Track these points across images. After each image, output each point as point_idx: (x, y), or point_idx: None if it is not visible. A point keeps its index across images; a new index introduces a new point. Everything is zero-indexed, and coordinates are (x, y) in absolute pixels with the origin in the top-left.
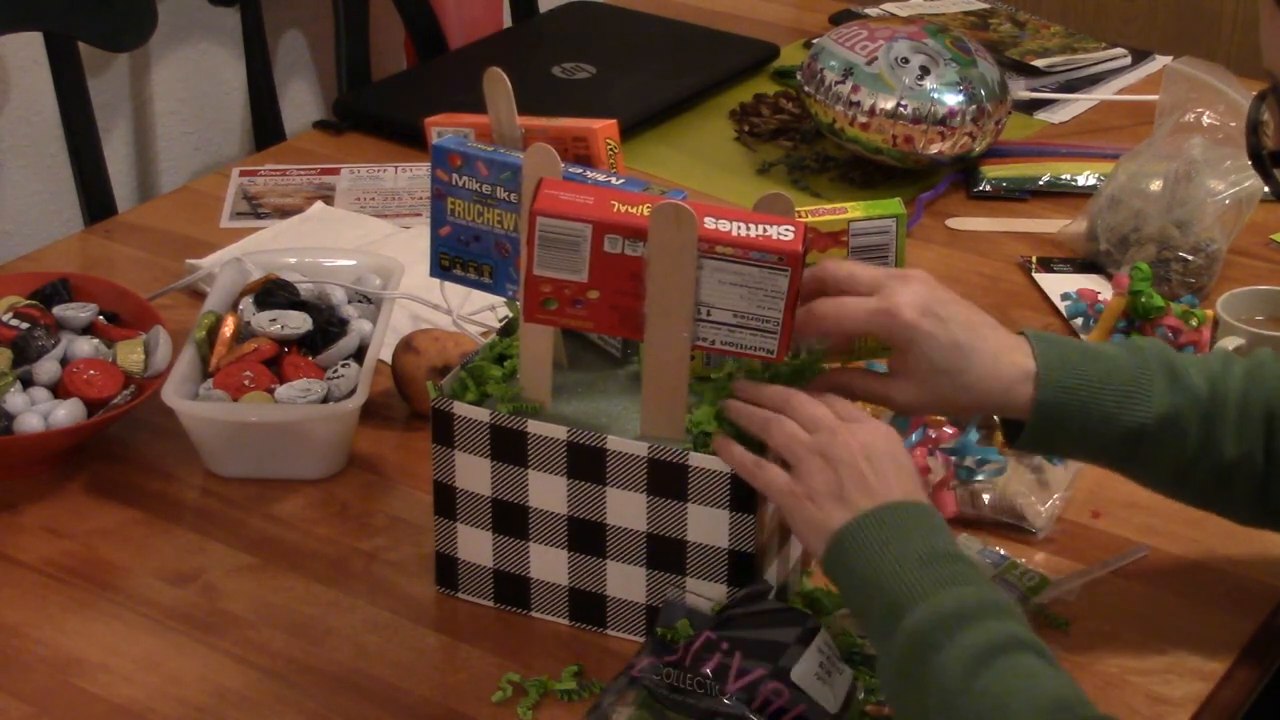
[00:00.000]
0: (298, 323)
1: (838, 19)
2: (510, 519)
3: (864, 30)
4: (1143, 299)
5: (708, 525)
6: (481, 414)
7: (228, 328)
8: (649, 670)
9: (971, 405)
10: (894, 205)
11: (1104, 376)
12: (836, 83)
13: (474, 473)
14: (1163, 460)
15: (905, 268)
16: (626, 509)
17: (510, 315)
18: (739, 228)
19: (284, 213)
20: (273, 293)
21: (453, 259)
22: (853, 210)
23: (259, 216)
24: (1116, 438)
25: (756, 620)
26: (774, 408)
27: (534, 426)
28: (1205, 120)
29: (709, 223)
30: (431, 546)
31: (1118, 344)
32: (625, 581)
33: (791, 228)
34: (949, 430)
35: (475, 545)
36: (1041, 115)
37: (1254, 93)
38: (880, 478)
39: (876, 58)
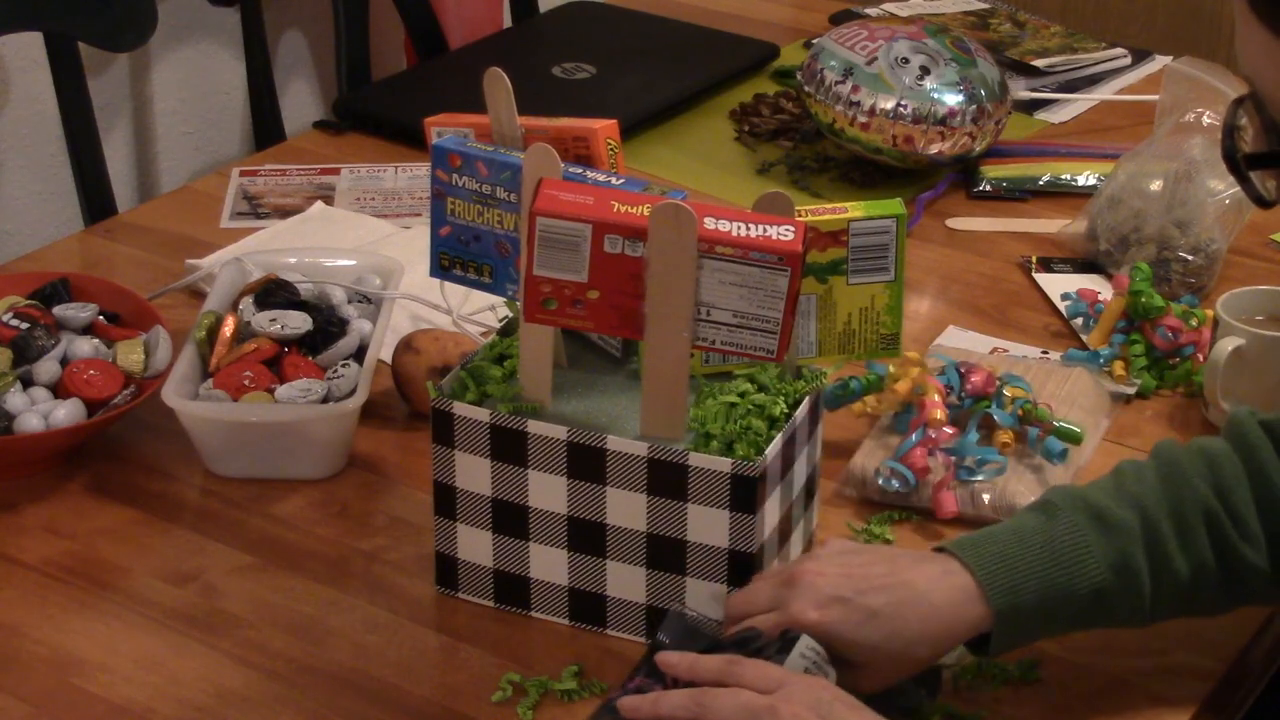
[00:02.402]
0: (298, 323)
1: (838, 19)
2: (510, 519)
3: (864, 30)
4: (1143, 299)
5: (708, 525)
6: (481, 414)
7: (228, 328)
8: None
9: (933, 652)
10: (894, 205)
11: (1043, 558)
12: (836, 83)
13: (474, 473)
14: (1127, 606)
15: (813, 539)
16: (626, 509)
17: (510, 315)
18: (739, 228)
19: (284, 213)
20: (273, 293)
21: (453, 259)
22: (853, 210)
23: (259, 216)
24: (1080, 608)
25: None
26: (687, 713)
27: (534, 426)
28: (1205, 120)
29: (709, 223)
30: (431, 546)
31: (1033, 511)
32: (625, 581)
33: (791, 228)
34: (949, 430)
35: (475, 545)
36: (1041, 115)
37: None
38: None
39: (876, 58)
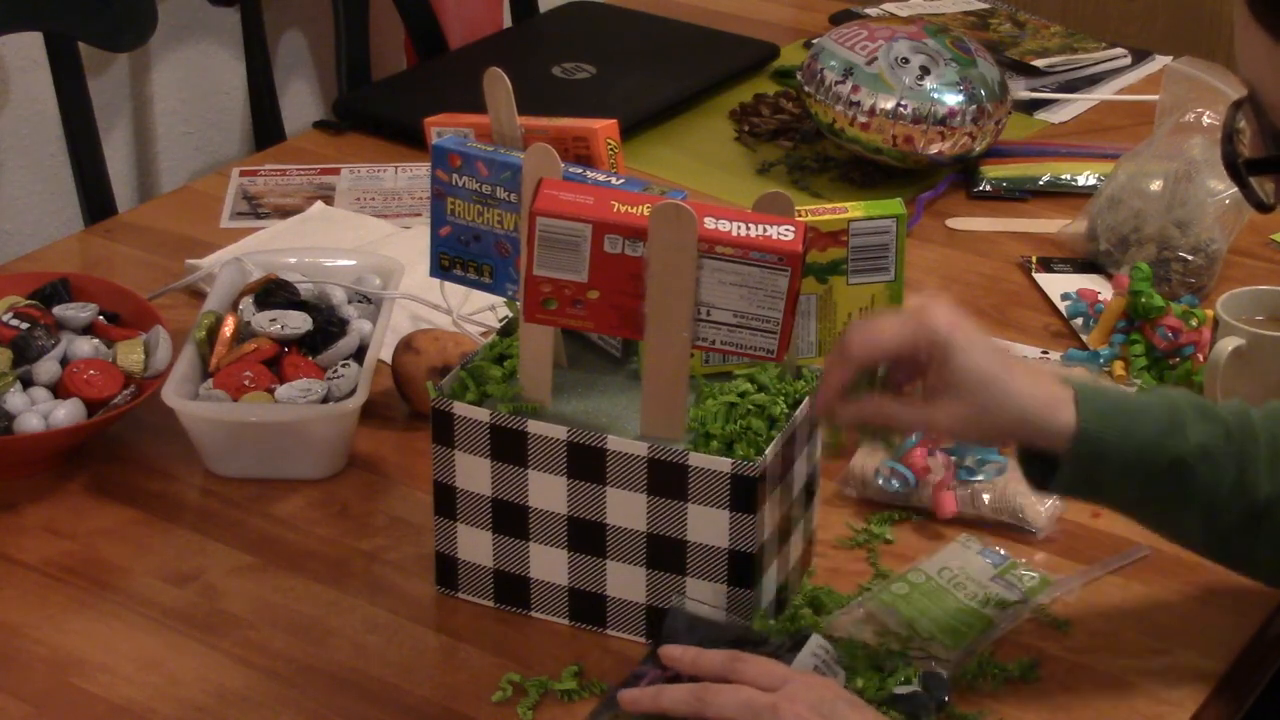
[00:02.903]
0: (298, 323)
1: (838, 19)
2: (510, 519)
3: (864, 30)
4: (1143, 299)
5: (708, 525)
6: (481, 414)
7: (228, 328)
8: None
9: (1012, 424)
10: (894, 205)
11: (1138, 406)
12: (836, 83)
13: (474, 473)
14: (1198, 499)
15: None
16: (626, 509)
17: (510, 315)
18: (739, 228)
19: (284, 213)
20: (273, 293)
21: (453, 259)
22: (853, 210)
23: (259, 216)
24: (1159, 470)
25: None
26: (689, 708)
27: (534, 426)
28: (1205, 120)
29: (709, 223)
30: (431, 546)
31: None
32: (625, 581)
33: (791, 228)
34: None
35: (475, 545)
36: (1041, 115)
37: None
38: None
39: (876, 58)
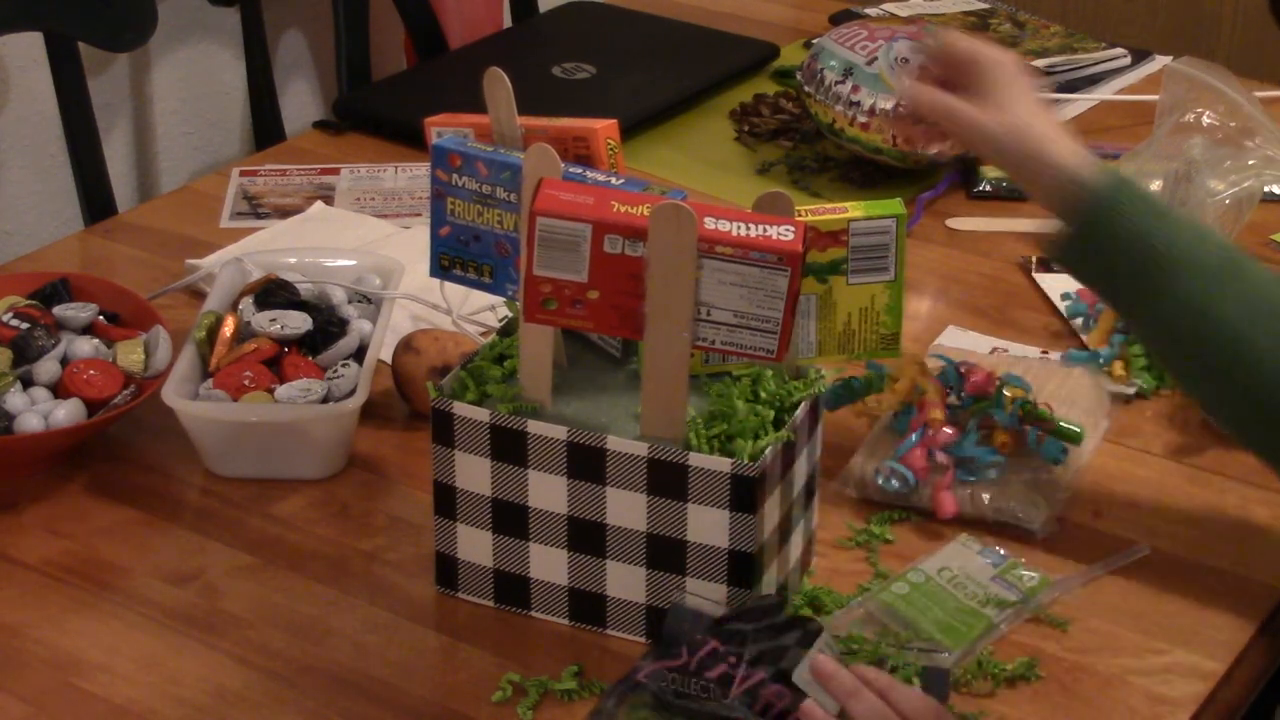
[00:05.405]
0: (298, 323)
1: (838, 19)
2: (510, 519)
3: (864, 30)
4: None
5: (708, 525)
6: (481, 414)
7: (228, 328)
8: (655, 676)
9: (1049, 134)
10: (894, 205)
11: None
12: (836, 83)
13: (474, 473)
14: (1193, 285)
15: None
16: (626, 509)
17: (510, 315)
18: (739, 228)
19: (284, 213)
20: (273, 293)
21: (453, 259)
22: (853, 210)
23: (259, 216)
24: (1163, 242)
25: (761, 631)
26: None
27: (534, 426)
28: (1205, 120)
29: (709, 223)
30: (431, 546)
31: None
32: (625, 581)
33: (791, 228)
34: (949, 430)
35: (475, 545)
36: None
37: (1254, 93)
38: None
39: (876, 58)
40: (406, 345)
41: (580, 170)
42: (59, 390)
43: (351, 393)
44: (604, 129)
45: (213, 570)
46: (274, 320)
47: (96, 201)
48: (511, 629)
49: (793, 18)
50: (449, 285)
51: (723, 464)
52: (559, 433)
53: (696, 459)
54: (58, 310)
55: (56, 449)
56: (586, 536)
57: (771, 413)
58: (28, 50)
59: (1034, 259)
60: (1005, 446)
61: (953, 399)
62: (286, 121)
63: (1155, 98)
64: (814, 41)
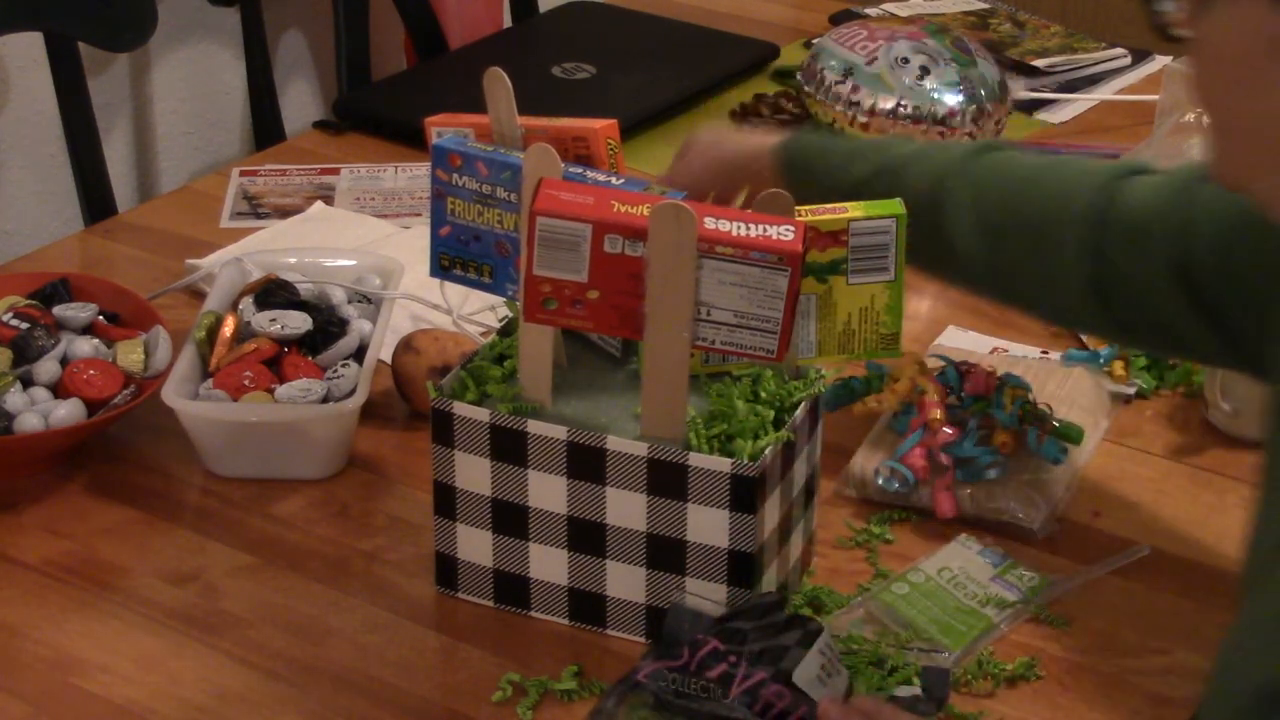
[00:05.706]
0: (298, 323)
1: (838, 19)
2: (510, 519)
3: (864, 30)
4: None
5: (708, 525)
6: (481, 414)
7: (228, 328)
8: (655, 675)
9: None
10: (894, 205)
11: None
12: (836, 83)
13: (474, 473)
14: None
15: None
16: (626, 509)
17: (510, 315)
18: (739, 228)
19: (284, 213)
20: (273, 293)
21: (453, 259)
22: (853, 210)
23: (259, 216)
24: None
25: (761, 630)
26: None
27: (534, 426)
28: (1205, 120)
29: (709, 223)
30: (431, 546)
31: None
32: (625, 581)
33: (791, 228)
34: (949, 430)
35: (475, 545)
36: (1041, 115)
37: None
38: None
39: (876, 58)
40: (406, 345)
41: (580, 170)
42: (59, 390)
43: (351, 393)
44: (604, 129)
45: (213, 570)
46: (274, 320)
47: (96, 201)
48: (511, 629)
49: (793, 18)
50: (449, 285)
51: (723, 464)
52: (559, 433)
53: (696, 459)
54: (58, 310)
55: (56, 449)
56: (586, 536)
57: (771, 413)
58: (28, 50)
59: None
60: (1005, 446)
61: (953, 399)
62: (286, 121)
63: (1155, 98)
64: (814, 41)
